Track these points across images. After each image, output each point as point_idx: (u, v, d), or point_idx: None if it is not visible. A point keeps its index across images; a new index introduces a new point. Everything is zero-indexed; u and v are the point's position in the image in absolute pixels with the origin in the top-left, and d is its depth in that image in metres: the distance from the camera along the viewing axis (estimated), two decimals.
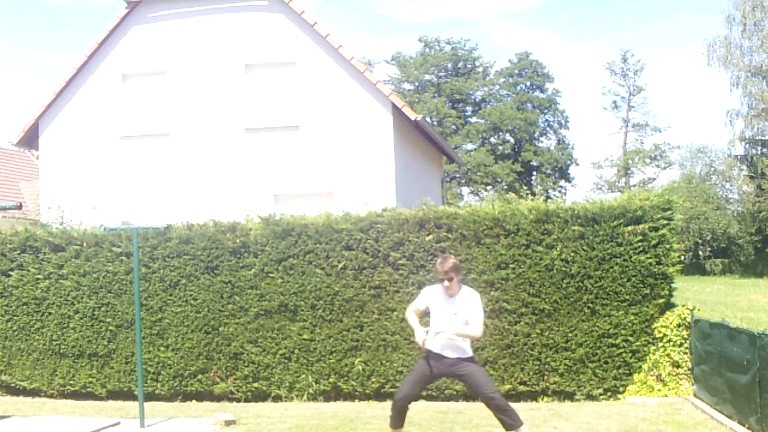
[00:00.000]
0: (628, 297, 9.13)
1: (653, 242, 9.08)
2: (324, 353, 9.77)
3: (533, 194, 11.43)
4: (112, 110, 17.93)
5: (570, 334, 9.22)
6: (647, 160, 52.20)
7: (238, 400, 10.02)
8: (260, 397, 10.01)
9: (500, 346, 9.31)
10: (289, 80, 17.35)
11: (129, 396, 10.20)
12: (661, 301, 9.14)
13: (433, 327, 6.56)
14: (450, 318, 6.47)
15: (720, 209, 41.09)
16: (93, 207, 15.90)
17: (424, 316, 6.94)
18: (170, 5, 17.76)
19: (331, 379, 9.76)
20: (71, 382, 10.58)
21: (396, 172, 16.84)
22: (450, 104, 53.76)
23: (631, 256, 9.10)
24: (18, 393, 10.81)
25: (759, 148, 39.60)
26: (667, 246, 9.12)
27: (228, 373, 10.07)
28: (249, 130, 17.31)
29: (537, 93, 55.40)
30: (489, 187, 49.87)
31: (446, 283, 6.48)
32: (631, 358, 9.13)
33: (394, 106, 16.93)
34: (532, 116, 53.22)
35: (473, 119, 54.73)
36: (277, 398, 9.93)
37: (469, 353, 6.61)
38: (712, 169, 44.55)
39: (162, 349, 10.21)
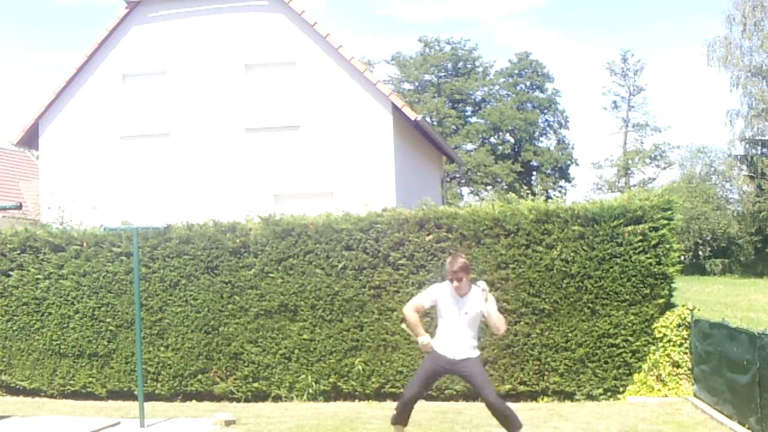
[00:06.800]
0: (628, 297, 9.12)
1: (653, 242, 9.08)
2: (324, 353, 9.77)
3: (533, 194, 11.42)
4: (112, 110, 17.92)
5: (570, 334, 9.22)
6: (647, 160, 52.26)
7: (238, 400, 10.02)
8: (260, 397, 10.00)
9: (500, 346, 9.30)
10: (289, 80, 17.34)
11: (129, 396, 10.19)
12: (661, 301, 9.14)
13: (445, 328, 6.52)
14: (461, 317, 6.46)
15: (720, 209, 41.14)
16: (93, 207, 15.88)
17: (424, 315, 6.91)
18: (170, 5, 17.76)
19: (331, 379, 9.76)
20: (71, 382, 10.57)
21: (396, 172, 16.84)
22: (450, 104, 53.78)
23: (631, 256, 9.09)
24: (18, 393, 10.80)
25: (759, 148, 39.64)
26: (667, 246, 9.12)
27: (228, 373, 10.07)
28: (249, 130, 17.31)
29: (537, 93, 55.44)
30: (489, 187, 49.88)
31: (455, 283, 6.43)
32: (631, 358, 9.12)
33: (394, 106, 16.93)
34: (532, 116, 53.24)
35: (473, 119, 54.76)
36: (277, 398, 9.93)
37: (475, 354, 6.61)
38: (712, 169, 44.61)
39: (162, 349, 10.21)
